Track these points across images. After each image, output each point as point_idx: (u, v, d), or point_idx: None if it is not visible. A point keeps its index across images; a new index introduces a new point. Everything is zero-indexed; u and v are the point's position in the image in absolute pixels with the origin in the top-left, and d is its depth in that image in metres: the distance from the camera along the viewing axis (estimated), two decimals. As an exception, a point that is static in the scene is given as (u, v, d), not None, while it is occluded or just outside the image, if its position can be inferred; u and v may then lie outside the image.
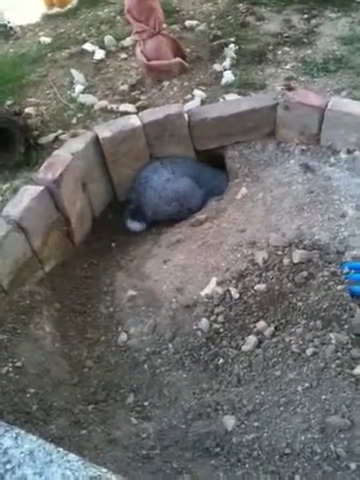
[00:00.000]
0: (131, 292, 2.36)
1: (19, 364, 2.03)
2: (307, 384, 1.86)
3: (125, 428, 1.90)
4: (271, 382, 1.93)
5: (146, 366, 2.11)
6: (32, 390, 1.97)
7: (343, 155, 2.60)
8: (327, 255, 2.20)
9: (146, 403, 2.01)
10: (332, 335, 1.94)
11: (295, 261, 2.18)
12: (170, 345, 2.13)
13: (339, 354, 1.89)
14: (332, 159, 2.62)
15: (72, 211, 2.54)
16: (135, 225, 2.84)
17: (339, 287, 2.06)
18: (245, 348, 2.03)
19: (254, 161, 2.76)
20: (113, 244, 2.75)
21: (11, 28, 4.19)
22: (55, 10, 4.30)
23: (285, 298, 2.10)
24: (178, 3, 3.99)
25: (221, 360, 2.05)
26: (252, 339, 2.04)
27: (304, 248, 2.23)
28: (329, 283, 2.08)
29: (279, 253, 2.25)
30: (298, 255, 2.19)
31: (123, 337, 2.22)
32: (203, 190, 2.83)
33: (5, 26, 4.19)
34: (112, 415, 1.96)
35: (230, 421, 1.86)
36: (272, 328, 2.04)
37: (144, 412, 1.99)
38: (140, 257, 2.57)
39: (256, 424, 1.83)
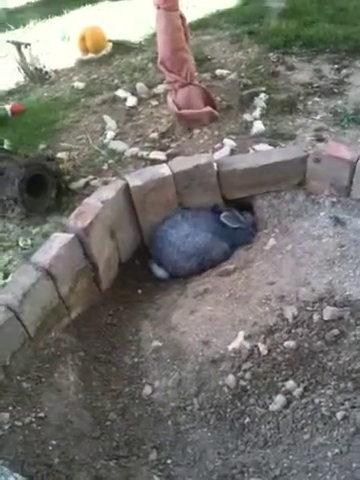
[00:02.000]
0: (156, 343, 2.33)
1: (42, 414, 2.01)
2: (337, 450, 1.80)
3: (147, 487, 1.86)
4: (299, 445, 1.87)
5: (170, 422, 2.07)
6: (54, 442, 1.95)
7: (374, 208, 2.58)
8: (359, 312, 2.15)
9: (169, 461, 1.96)
10: (363, 398, 1.88)
11: (325, 318, 2.14)
12: (195, 401, 2.09)
13: (370, 419, 1.83)
14: (363, 212, 2.60)
15: (100, 258, 2.55)
16: (161, 272, 2.83)
17: (371, 347, 2.01)
18: (273, 408, 1.98)
19: (283, 212, 2.74)
20: (139, 291, 2.74)
21: (46, 72, 4.34)
22: (89, 56, 4.46)
23: (315, 357, 2.05)
24: (210, 52, 4.08)
25: (247, 419, 2.00)
26: (280, 399, 1.98)
27: (335, 304, 2.19)
28: (361, 343, 2.03)
29: (309, 309, 2.21)
30: (329, 312, 2.14)
31: (147, 390, 2.18)
32: (226, 243, 2.80)
33: (41, 70, 4.34)
34: (134, 472, 1.92)
35: (256, 486, 1.80)
36: (301, 388, 1.98)
37: (167, 470, 1.94)
38: (166, 306, 2.55)
39: (283, 491, 1.77)
